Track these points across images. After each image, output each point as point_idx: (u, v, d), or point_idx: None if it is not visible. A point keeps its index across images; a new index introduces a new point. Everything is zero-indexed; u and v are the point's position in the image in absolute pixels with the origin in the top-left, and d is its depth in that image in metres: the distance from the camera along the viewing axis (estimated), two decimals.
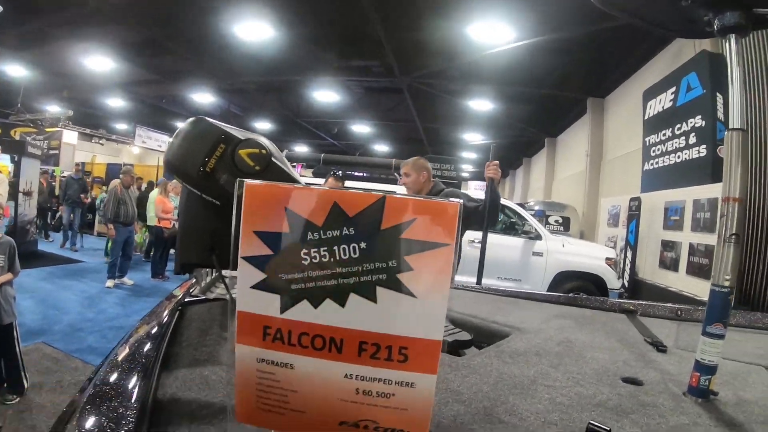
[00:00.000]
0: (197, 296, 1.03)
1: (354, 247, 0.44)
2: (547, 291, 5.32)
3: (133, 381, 0.65)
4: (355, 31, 7.40)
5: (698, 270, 4.58)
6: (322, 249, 0.44)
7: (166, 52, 9.32)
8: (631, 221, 6.38)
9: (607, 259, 6.19)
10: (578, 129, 11.09)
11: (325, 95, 11.19)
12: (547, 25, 6.63)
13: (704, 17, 0.80)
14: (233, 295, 0.74)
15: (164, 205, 7.21)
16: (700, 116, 5.29)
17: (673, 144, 5.92)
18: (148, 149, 16.97)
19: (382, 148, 18.26)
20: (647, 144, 6.71)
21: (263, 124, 15.93)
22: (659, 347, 1.25)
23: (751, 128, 4.30)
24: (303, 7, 6.81)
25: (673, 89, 5.99)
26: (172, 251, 7.11)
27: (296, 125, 15.04)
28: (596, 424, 0.54)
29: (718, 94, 4.91)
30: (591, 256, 6.26)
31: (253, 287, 0.45)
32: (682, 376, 0.95)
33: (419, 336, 0.45)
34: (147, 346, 0.81)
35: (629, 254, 6.31)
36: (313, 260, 0.44)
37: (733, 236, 0.93)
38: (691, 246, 4.94)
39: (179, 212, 0.89)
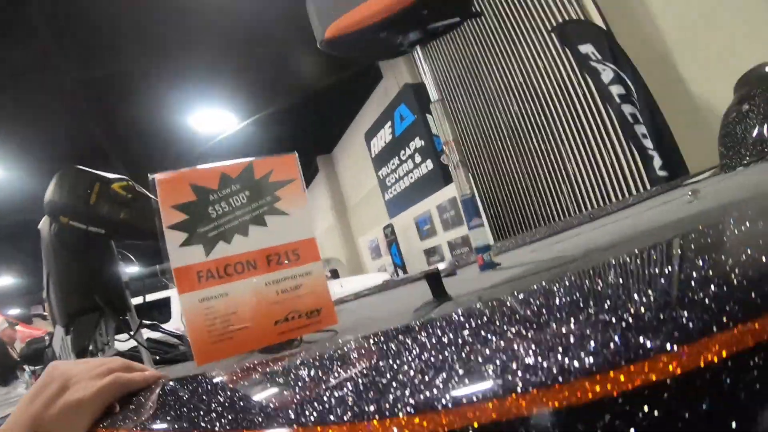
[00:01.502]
0: None
1: (242, 195, 0.68)
2: None
3: None
4: (83, 145, 6.81)
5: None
6: (222, 203, 0.67)
7: None
8: (391, 245, 7.31)
9: (385, 281, 6.95)
10: (316, 188, 11.90)
11: None
12: (265, 100, 7.34)
13: (398, 41, 1.29)
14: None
15: None
16: (418, 137, 6.55)
17: (403, 168, 7.14)
18: None
19: None
20: (382, 177, 7.87)
21: (4, 280, 12.71)
22: (450, 274, 1.70)
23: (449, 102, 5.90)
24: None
25: (389, 123, 7.26)
26: None
27: (38, 274, 12.45)
28: (429, 269, 0.88)
29: (427, 115, 6.02)
30: (369, 285, 6.94)
31: (181, 245, 0.64)
32: (473, 272, 1.34)
33: (300, 239, 0.71)
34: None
35: (400, 273, 7.21)
36: (218, 212, 0.66)
37: (459, 162, 1.43)
38: (449, 243, 6.01)
39: (47, 272, 0.89)
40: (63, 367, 0.45)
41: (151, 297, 5.89)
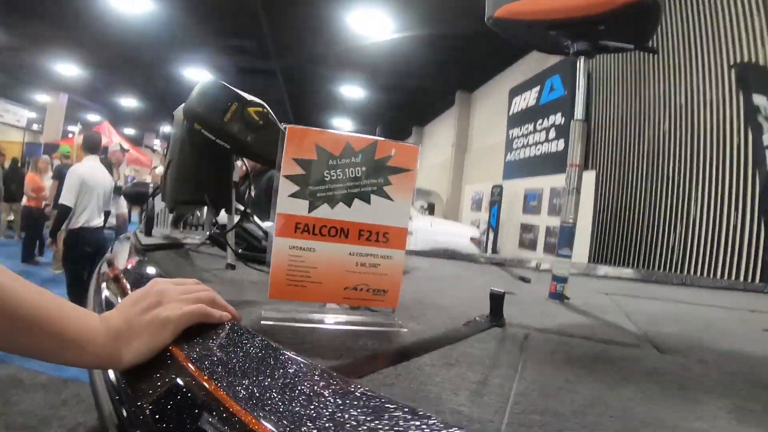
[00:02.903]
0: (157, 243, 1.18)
1: (358, 169, 0.71)
2: None
3: None
4: (233, 5, 7.25)
5: (553, 249, 5.50)
6: (338, 170, 0.70)
7: (31, 15, 8.19)
8: (493, 206, 7.19)
9: (472, 238, 6.90)
10: (445, 120, 11.90)
11: (195, 73, 10.74)
12: (426, 21, 7.16)
13: (564, 43, 1.20)
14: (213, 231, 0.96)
15: (34, 184, 6.46)
16: (560, 114, 6.19)
17: (534, 137, 6.80)
18: (5, 124, 14.78)
19: None
20: (510, 137, 7.58)
21: (129, 101, 14.68)
22: (525, 280, 1.69)
23: (591, 121, 5.36)
24: None
25: (537, 88, 6.86)
26: (45, 231, 6.39)
27: (163, 105, 14.11)
28: (495, 289, 0.88)
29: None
30: (457, 234, 6.92)
31: (290, 196, 0.70)
32: (543, 292, 1.34)
33: (395, 225, 0.74)
34: (143, 267, 0.97)
35: (491, 236, 7.12)
36: (332, 177, 0.70)
37: (575, 189, 1.36)
38: (547, 228, 5.79)
39: (170, 159, 1.03)
40: (161, 286, 0.54)
41: None
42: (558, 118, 6.24)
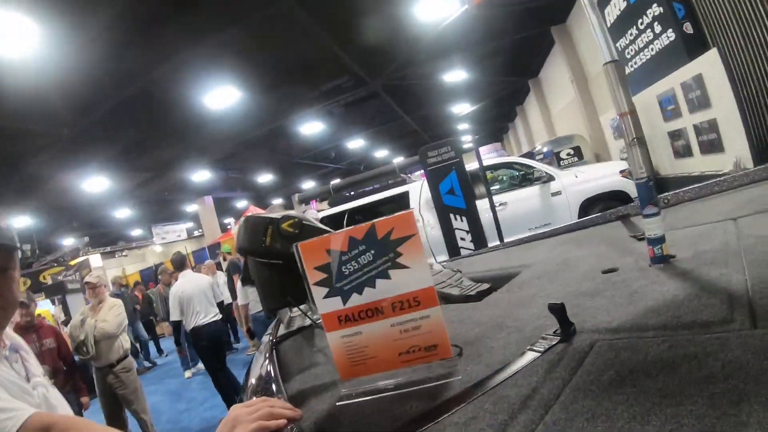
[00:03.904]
0: (284, 333, 1.40)
1: (368, 254, 0.79)
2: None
3: (272, 391, 1.00)
4: (312, 58, 7.74)
5: (710, 146, 4.68)
6: (352, 262, 0.80)
7: (151, 148, 9.86)
8: None
9: (621, 171, 6.31)
10: (554, 60, 11.14)
11: (311, 127, 11.66)
12: None
13: None
14: (312, 318, 1.10)
15: None
16: (655, 3, 5.45)
17: (642, 40, 6.07)
18: (169, 243, 17.51)
19: (382, 153, 18.67)
20: (620, 49, 6.84)
21: (264, 177, 16.35)
22: (639, 237, 1.54)
23: None
24: (255, 61, 7.20)
25: None
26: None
27: (295, 165, 15.48)
28: (553, 303, 0.87)
29: None
30: (605, 175, 6.38)
31: (324, 298, 0.81)
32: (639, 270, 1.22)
33: (420, 288, 0.80)
34: (265, 371, 1.17)
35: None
36: (349, 270, 0.80)
37: (635, 139, 1.24)
38: (695, 127, 5.07)
39: (252, 278, 1.24)
40: (235, 413, 0.71)
41: (392, 192, 6.78)
42: (655, 9, 5.51)
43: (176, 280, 4.99)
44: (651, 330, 0.79)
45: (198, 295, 4.72)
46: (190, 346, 6.48)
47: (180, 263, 5.18)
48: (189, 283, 4.82)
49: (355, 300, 0.81)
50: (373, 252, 0.79)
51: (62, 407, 1.02)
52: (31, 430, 0.76)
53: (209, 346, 4.63)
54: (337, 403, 0.81)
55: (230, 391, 4.47)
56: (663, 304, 0.90)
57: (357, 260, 0.80)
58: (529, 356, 0.81)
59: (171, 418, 4.97)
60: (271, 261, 1.06)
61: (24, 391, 0.91)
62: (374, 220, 0.79)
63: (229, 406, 4.45)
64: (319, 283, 0.81)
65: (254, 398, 0.73)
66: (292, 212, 1.09)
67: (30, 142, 7.36)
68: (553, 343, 0.83)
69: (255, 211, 12.93)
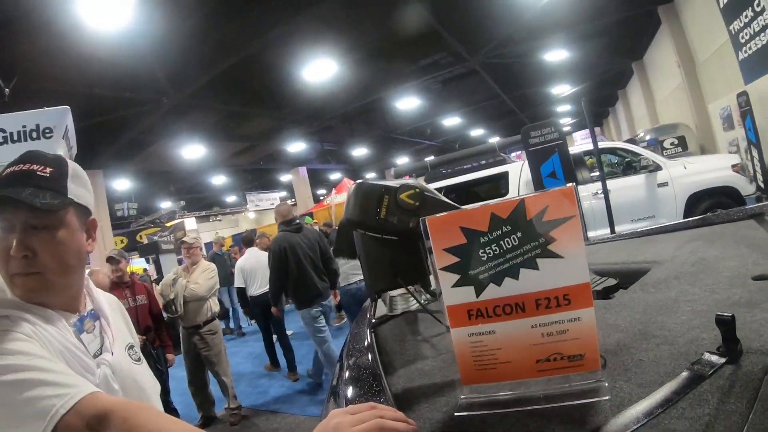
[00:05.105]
0: (384, 315, 1.29)
1: (513, 237, 0.65)
2: (683, 218, 5.01)
3: (372, 386, 0.89)
4: (411, 33, 7.56)
5: None
6: (492, 245, 0.66)
7: (249, 119, 10.31)
8: (745, 118, 5.79)
9: (733, 166, 5.69)
10: (660, 42, 10.16)
11: (407, 102, 11.54)
12: None
13: None
14: (423, 302, 0.98)
15: None
16: None
17: (759, 22, 5.30)
18: (262, 210, 18.44)
19: (478, 132, 18.20)
20: (733, 32, 6.05)
21: (359, 150, 16.59)
22: None
23: None
24: (353, 34, 7.18)
25: None
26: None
27: (390, 140, 15.53)
28: (721, 314, 0.68)
29: None
30: (716, 168, 5.79)
31: (453, 286, 0.68)
32: None
33: (574, 283, 0.64)
34: (366, 359, 1.07)
35: (754, 153, 5.71)
36: (488, 255, 0.66)
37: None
38: None
39: (358, 254, 1.14)
40: (337, 419, 0.59)
41: (490, 172, 6.56)
42: None
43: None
44: None
45: (260, 269, 5.44)
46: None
47: (248, 240, 6.21)
48: (252, 258, 5.75)
49: (492, 292, 0.67)
50: (519, 235, 0.65)
51: (132, 390, 0.89)
52: (83, 415, 0.64)
53: (261, 313, 5.40)
54: (456, 413, 0.68)
55: (274, 352, 5.41)
56: None
57: (498, 244, 0.65)
58: (691, 378, 0.64)
59: (250, 382, 5.17)
60: (384, 236, 0.95)
61: (85, 367, 0.79)
62: (524, 195, 0.65)
63: (273, 365, 4.79)
64: (448, 268, 0.68)
65: (353, 393, 0.62)
66: (410, 181, 0.96)
67: (131, 109, 7.84)
68: (719, 364, 0.64)
69: (349, 183, 13.17)
